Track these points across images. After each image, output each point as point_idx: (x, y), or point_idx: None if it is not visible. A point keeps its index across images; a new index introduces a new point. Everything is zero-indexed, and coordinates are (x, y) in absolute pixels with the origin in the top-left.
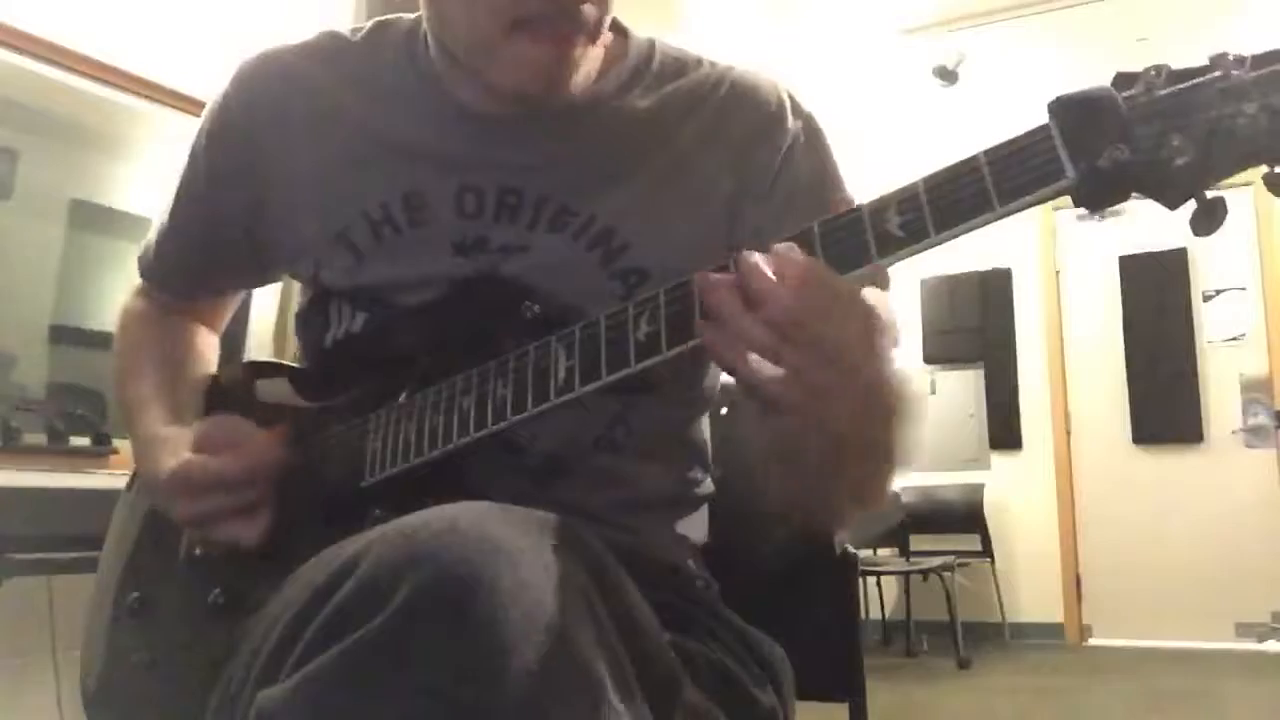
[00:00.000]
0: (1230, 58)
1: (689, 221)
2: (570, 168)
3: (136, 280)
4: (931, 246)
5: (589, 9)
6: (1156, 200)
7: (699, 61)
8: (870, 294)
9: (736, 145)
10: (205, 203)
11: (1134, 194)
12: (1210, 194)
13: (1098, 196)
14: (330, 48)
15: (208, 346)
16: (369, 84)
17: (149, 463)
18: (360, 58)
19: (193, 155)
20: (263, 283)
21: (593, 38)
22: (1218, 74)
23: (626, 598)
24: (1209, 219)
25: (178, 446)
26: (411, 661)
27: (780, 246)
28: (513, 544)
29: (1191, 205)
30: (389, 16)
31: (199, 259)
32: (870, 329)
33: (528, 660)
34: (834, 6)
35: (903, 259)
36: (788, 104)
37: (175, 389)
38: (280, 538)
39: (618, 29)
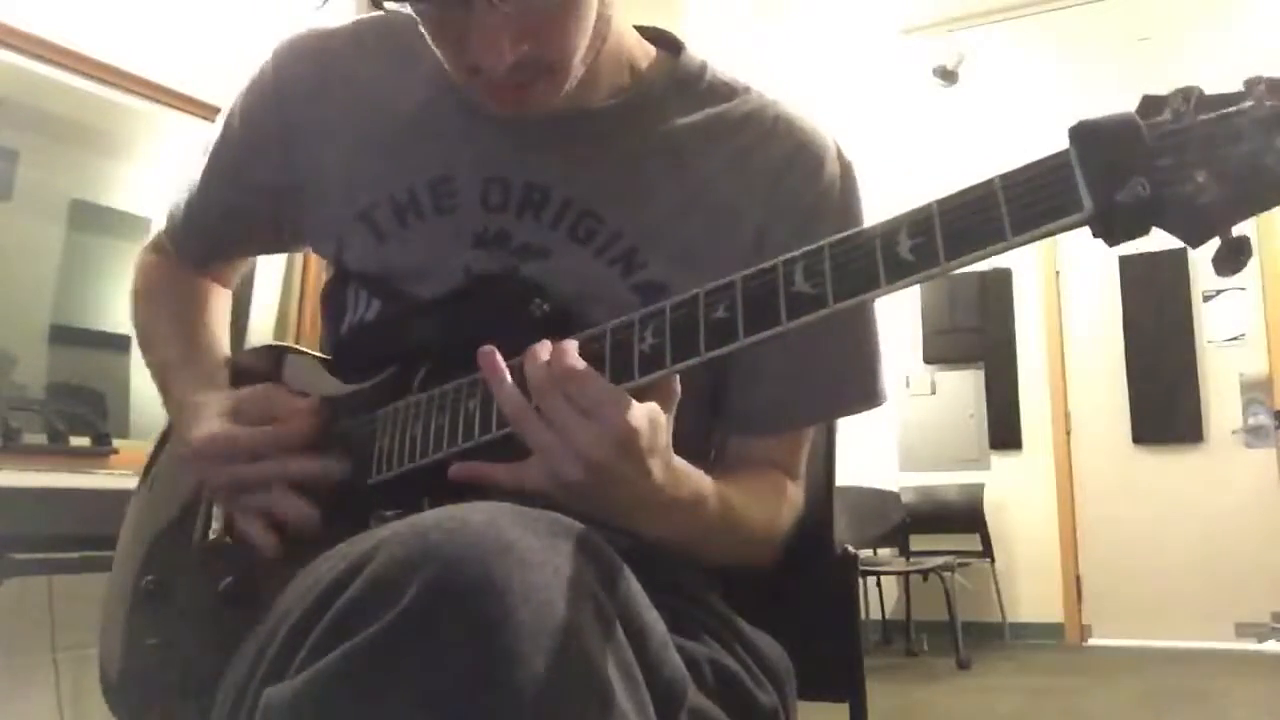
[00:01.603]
0: (1263, 85)
1: (714, 242)
2: (599, 174)
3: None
4: (940, 274)
5: (544, 54)
6: (1178, 237)
7: (747, 89)
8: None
9: (772, 175)
10: (233, 176)
11: (1155, 229)
12: (1235, 232)
13: (1115, 231)
14: (371, 30)
15: (222, 304)
16: (408, 68)
17: (182, 429)
18: (402, 42)
19: (226, 126)
20: (283, 250)
21: (559, 76)
22: (1250, 103)
23: (635, 601)
24: (1234, 259)
25: (210, 412)
26: (420, 661)
27: (564, 343)
28: (524, 545)
29: (1215, 243)
30: None
31: (222, 227)
32: (630, 436)
33: (536, 662)
34: (834, 7)
35: (910, 285)
36: (831, 149)
37: (200, 352)
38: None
39: (672, 43)
